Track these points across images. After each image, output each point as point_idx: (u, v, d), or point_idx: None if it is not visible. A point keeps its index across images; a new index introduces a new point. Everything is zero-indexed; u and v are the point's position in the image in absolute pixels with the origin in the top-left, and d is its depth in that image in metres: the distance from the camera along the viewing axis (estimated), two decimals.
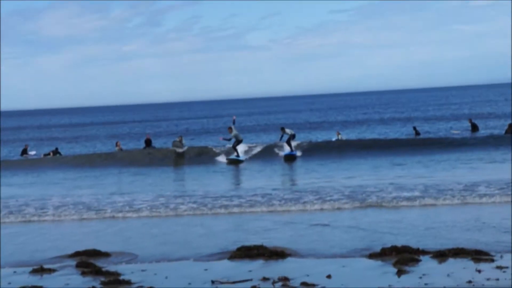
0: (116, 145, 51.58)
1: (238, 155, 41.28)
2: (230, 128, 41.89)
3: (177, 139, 47.65)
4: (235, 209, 23.28)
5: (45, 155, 51.22)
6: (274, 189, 27.46)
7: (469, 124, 56.77)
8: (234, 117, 44.96)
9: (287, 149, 42.12)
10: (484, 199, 22.71)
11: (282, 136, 42.70)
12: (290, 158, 40.82)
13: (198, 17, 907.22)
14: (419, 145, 43.94)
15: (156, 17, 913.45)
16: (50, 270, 15.08)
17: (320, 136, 61.41)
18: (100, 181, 34.78)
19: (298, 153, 42.39)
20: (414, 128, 56.74)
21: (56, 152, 51.33)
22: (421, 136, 53.07)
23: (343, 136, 52.51)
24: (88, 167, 42.60)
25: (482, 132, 54.11)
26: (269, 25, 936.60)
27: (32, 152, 54.89)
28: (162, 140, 67.52)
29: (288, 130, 42.59)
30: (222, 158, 42.64)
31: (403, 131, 62.48)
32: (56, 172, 40.44)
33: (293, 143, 42.64)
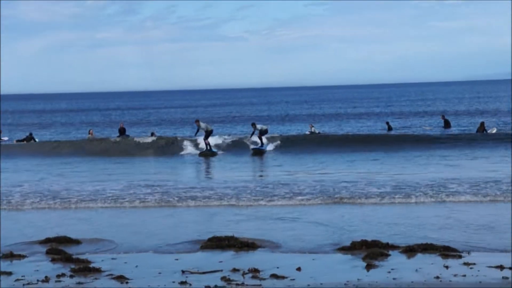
0: (89, 133, 51.37)
1: (210, 148, 41.17)
2: (197, 121, 41.73)
3: (152, 133, 48.17)
4: (206, 201, 23.23)
5: (18, 141, 50.74)
6: (245, 182, 27.46)
7: (442, 121, 57.21)
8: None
9: (258, 142, 42.02)
10: (455, 197, 22.78)
11: (253, 132, 42.44)
12: (258, 153, 40.73)
13: (174, 6, 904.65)
14: (391, 140, 44.09)
15: (132, 5, 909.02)
16: (20, 256, 15.05)
17: (293, 129, 61.53)
18: (71, 169, 34.52)
19: (268, 148, 42.20)
20: (387, 123, 57.09)
21: (30, 138, 50.82)
22: (394, 132, 53.40)
23: (317, 129, 52.64)
24: (60, 155, 42.28)
25: (454, 129, 54.60)
26: (245, 17, 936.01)
27: (5, 138, 54.47)
28: (137, 129, 67.34)
29: (259, 126, 42.30)
30: (194, 150, 42.48)
31: (377, 126, 62.78)
32: (28, 159, 40.05)
33: (266, 136, 42.57)
